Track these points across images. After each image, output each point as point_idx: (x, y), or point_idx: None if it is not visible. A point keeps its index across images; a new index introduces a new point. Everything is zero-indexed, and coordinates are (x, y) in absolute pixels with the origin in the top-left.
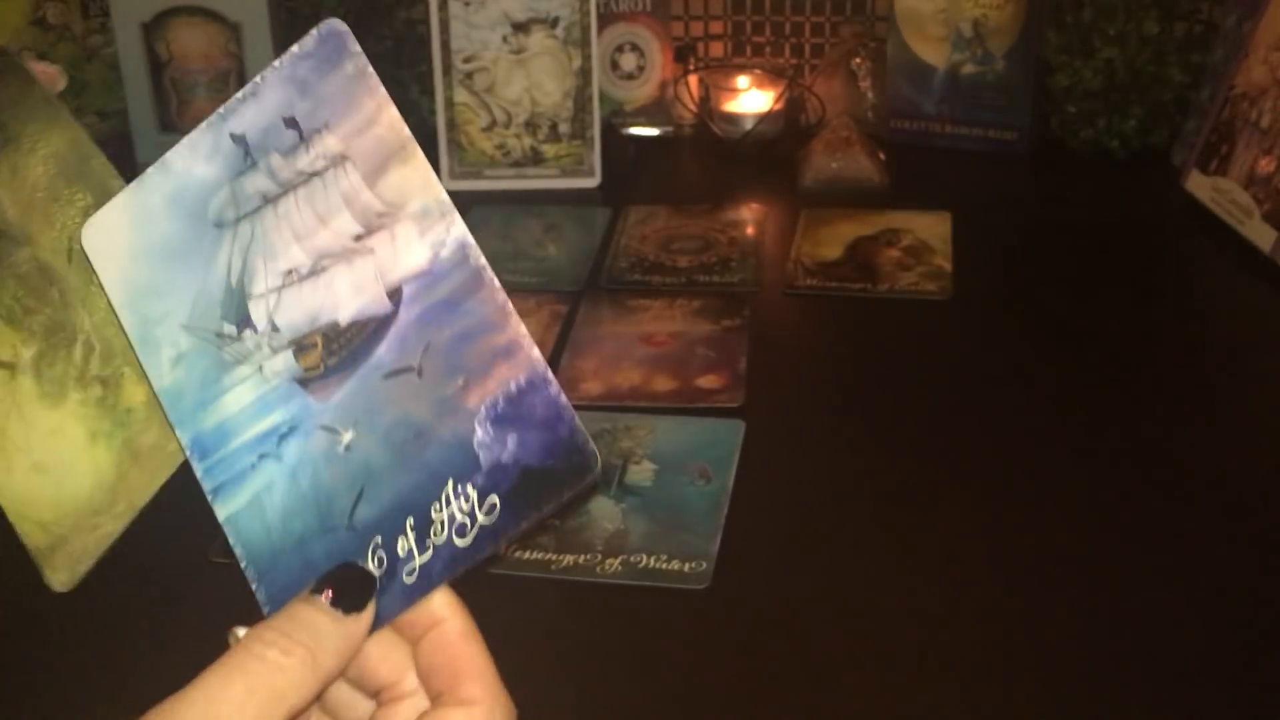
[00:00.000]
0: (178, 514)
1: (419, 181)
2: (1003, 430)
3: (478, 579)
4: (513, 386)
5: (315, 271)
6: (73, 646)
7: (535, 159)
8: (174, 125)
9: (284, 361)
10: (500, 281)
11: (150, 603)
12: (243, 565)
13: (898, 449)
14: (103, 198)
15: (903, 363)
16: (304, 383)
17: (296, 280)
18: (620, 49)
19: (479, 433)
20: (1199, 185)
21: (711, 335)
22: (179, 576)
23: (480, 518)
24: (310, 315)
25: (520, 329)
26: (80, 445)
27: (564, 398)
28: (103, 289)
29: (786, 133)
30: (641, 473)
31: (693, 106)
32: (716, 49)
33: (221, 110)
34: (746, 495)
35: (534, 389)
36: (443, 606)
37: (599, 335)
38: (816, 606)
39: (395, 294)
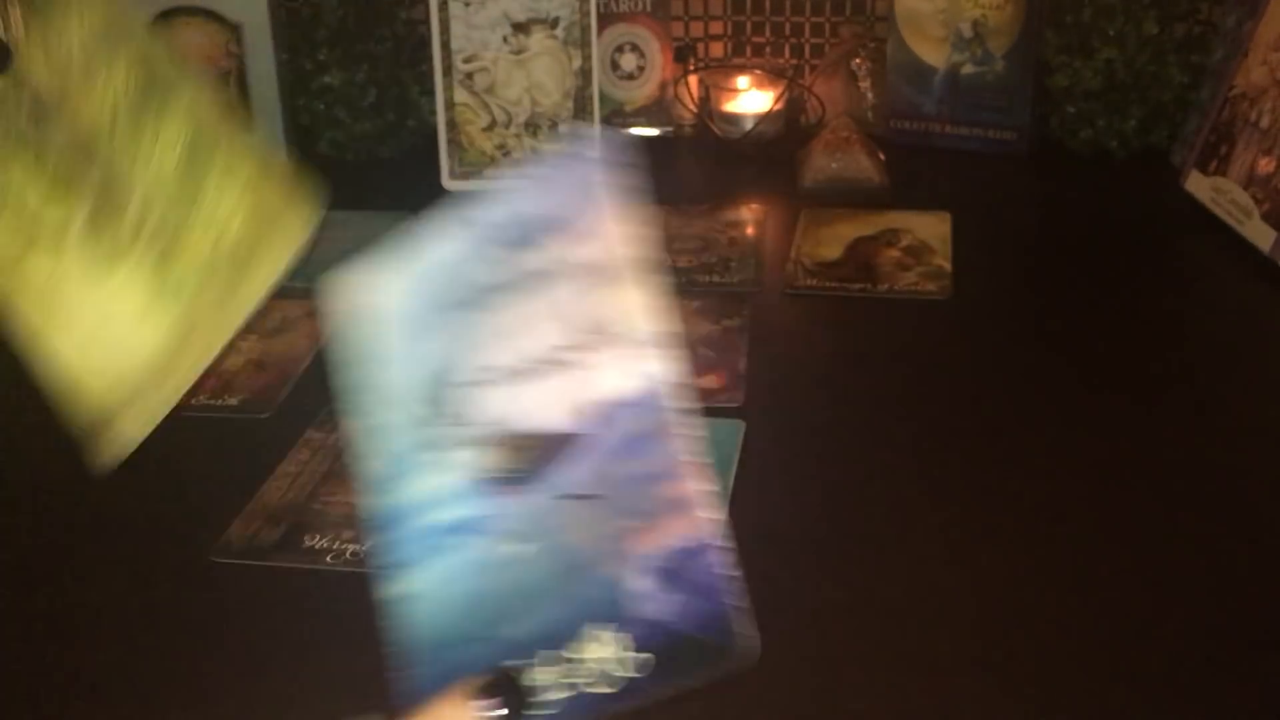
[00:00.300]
0: (178, 514)
1: (636, 309)
2: (1003, 429)
3: None
4: (682, 544)
5: (515, 374)
6: (72, 646)
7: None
8: None
9: (470, 456)
10: None
11: (150, 603)
12: (399, 646)
13: (897, 449)
14: (145, 67)
15: (903, 363)
16: (485, 482)
17: (495, 379)
18: (620, 49)
19: (638, 582)
20: (1198, 185)
21: (711, 335)
22: (179, 576)
23: (624, 669)
24: (502, 416)
25: (700, 485)
26: (137, 311)
27: (729, 569)
28: (333, 342)
29: (786, 133)
30: None
31: (693, 107)
32: (716, 49)
33: (470, 201)
34: (746, 495)
35: (702, 554)
36: None
37: None
38: (816, 605)
39: (588, 415)
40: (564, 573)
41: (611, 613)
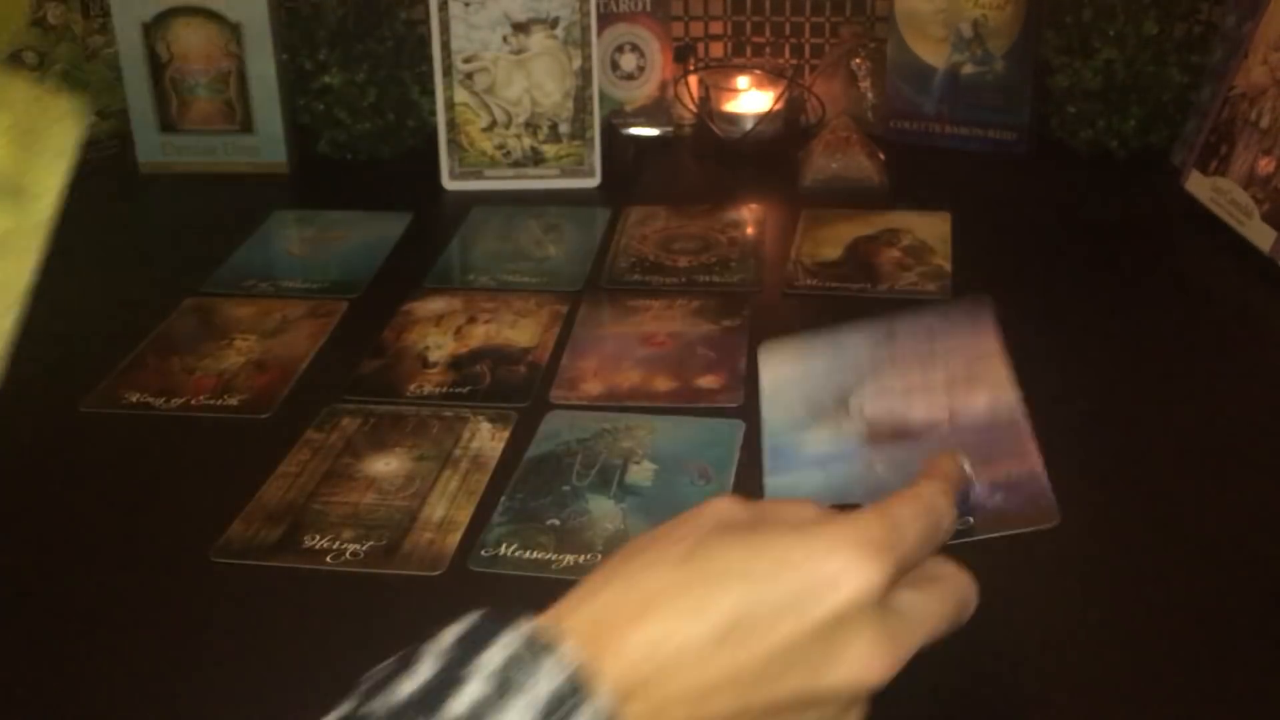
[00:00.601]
0: (178, 514)
1: (997, 380)
2: None
3: (480, 578)
4: (1013, 474)
5: (907, 391)
6: (71, 646)
7: (535, 159)
8: (174, 125)
9: (856, 429)
10: (500, 281)
11: (150, 603)
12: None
13: None
14: None
15: None
16: (864, 438)
17: (888, 396)
18: (620, 49)
19: (976, 487)
20: (1199, 185)
21: (711, 335)
22: (179, 576)
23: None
24: (890, 415)
25: (1034, 452)
26: None
27: (1048, 485)
28: (762, 374)
29: (786, 133)
30: (641, 473)
31: (693, 107)
32: (716, 49)
33: (893, 315)
34: (745, 494)
35: (1030, 481)
36: None
37: (599, 335)
38: None
39: (950, 416)
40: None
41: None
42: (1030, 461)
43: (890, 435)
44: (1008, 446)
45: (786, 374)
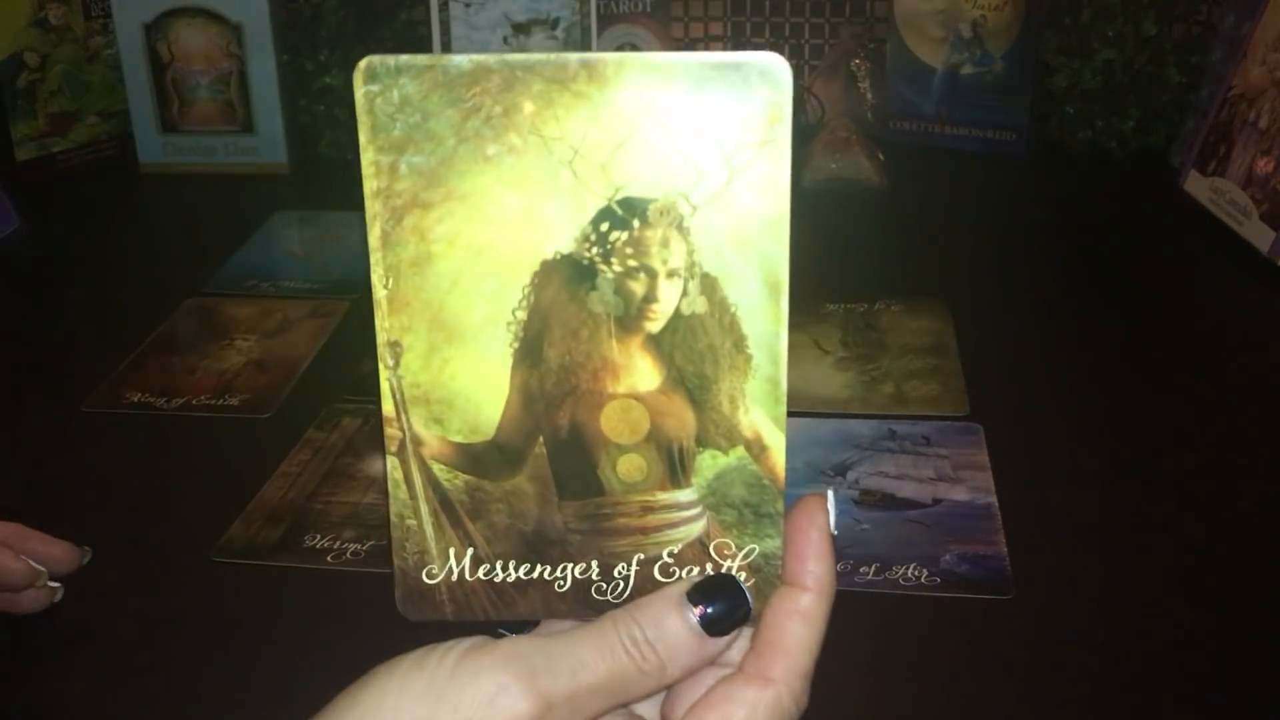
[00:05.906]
0: (178, 514)
1: (980, 484)
2: (999, 429)
3: None
4: (980, 553)
5: (896, 477)
6: (70, 647)
7: None
8: (175, 126)
9: (850, 494)
10: None
11: (150, 603)
12: None
13: None
14: None
15: None
16: (856, 500)
17: (883, 476)
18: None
19: (946, 557)
20: (1197, 186)
21: None
22: (179, 576)
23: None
24: (881, 488)
25: (1000, 542)
26: None
27: (1009, 565)
28: None
29: None
30: None
31: None
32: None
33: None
34: None
35: (994, 559)
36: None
37: None
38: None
39: (933, 501)
40: (895, 542)
41: (921, 559)
42: (996, 546)
43: (878, 502)
44: (979, 533)
45: (795, 441)
